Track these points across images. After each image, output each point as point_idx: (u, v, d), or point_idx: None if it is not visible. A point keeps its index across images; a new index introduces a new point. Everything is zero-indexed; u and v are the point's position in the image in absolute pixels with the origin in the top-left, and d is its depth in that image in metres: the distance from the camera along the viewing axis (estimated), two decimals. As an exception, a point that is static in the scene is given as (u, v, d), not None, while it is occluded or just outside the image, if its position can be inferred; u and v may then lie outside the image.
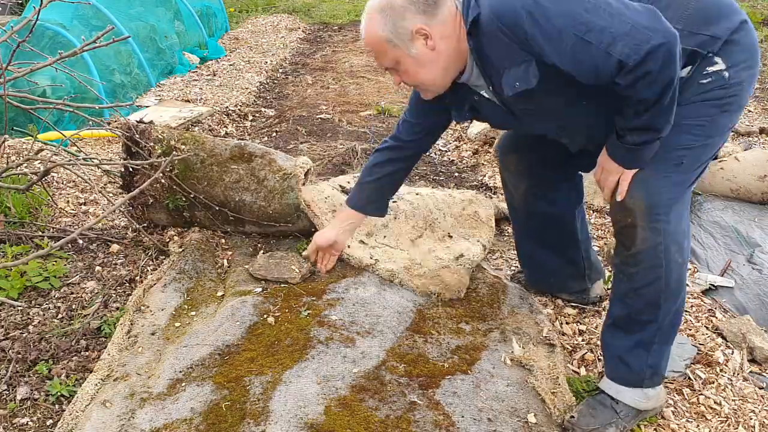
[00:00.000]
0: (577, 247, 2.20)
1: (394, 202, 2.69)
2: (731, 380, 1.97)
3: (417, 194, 2.77)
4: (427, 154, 3.83)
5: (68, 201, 3.14)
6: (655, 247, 1.59)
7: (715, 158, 3.21)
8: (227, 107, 4.81)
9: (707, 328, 2.23)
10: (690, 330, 2.21)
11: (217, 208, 2.57)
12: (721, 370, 2.01)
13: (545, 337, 2.08)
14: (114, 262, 2.55)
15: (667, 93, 1.42)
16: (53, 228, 2.80)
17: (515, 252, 2.42)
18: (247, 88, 5.55)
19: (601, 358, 1.85)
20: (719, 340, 2.16)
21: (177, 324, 2.13)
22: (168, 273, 2.37)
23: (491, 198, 3.15)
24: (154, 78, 5.60)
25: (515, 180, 2.11)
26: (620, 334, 1.73)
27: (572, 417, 1.71)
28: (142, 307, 2.20)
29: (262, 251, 2.54)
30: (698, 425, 1.79)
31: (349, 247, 2.40)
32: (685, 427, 1.78)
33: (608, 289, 2.29)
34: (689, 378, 1.97)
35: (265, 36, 8.06)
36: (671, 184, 1.59)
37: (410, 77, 1.65)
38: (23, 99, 2.50)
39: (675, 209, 1.60)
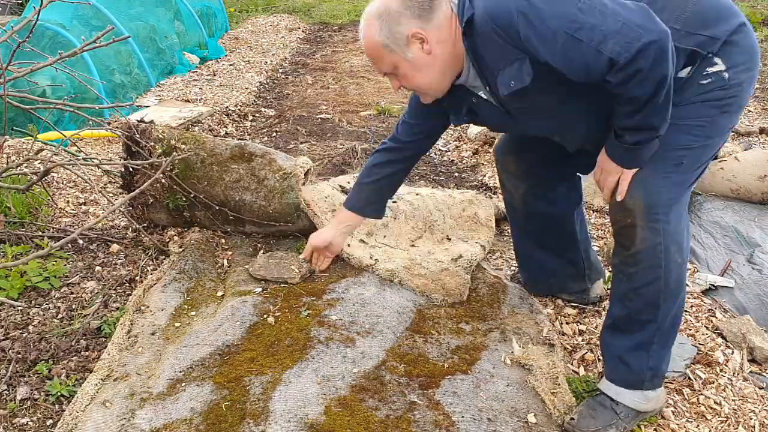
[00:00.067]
0: (576, 248, 2.20)
1: (394, 202, 2.69)
2: (731, 380, 1.97)
3: (417, 194, 2.77)
4: (427, 154, 3.83)
5: (68, 201, 3.14)
6: (654, 247, 1.59)
7: (715, 158, 3.21)
8: (227, 107, 4.81)
9: (707, 328, 2.23)
10: (690, 330, 2.21)
11: (217, 208, 2.57)
12: (721, 370, 2.01)
13: (545, 337, 2.08)
14: (114, 262, 2.55)
15: (661, 91, 1.42)
16: (53, 228, 2.80)
17: (513, 252, 2.42)
18: (247, 88, 5.55)
19: (601, 358, 1.85)
20: (719, 340, 2.16)
21: (177, 324, 2.13)
22: (168, 273, 2.37)
23: (491, 198, 3.15)
24: (154, 78, 5.60)
25: (515, 181, 2.11)
26: (620, 334, 1.73)
27: (572, 419, 1.71)
28: (142, 307, 2.20)
29: (261, 251, 2.55)
30: (698, 425, 1.79)
31: (349, 246, 2.40)
32: (685, 427, 1.78)
33: (608, 289, 2.29)
34: (689, 378, 1.97)
35: (265, 36, 8.06)
36: (671, 184, 1.59)
37: (408, 81, 1.66)
38: (23, 99, 2.50)
39: (675, 209, 1.60)
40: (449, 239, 2.58)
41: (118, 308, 2.24)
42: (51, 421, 1.77)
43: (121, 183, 2.69)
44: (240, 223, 2.64)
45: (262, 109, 4.95)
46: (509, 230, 2.88)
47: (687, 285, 2.47)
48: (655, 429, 1.78)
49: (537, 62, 1.47)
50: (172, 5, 6.56)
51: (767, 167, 2.99)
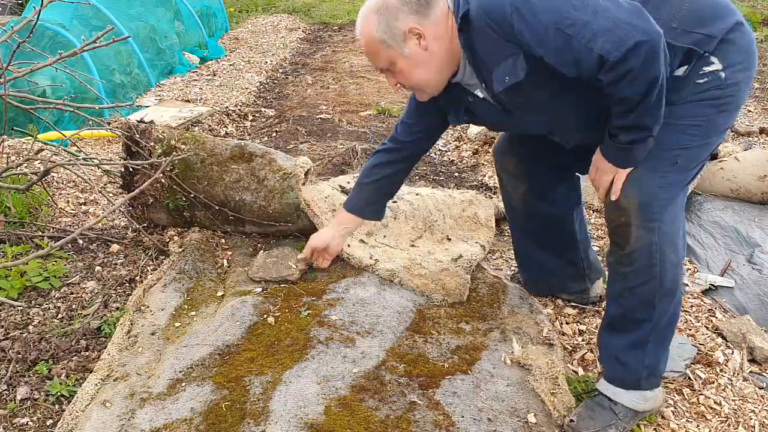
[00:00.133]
0: (576, 248, 2.20)
1: (394, 202, 2.69)
2: (731, 380, 1.97)
3: (417, 194, 2.77)
4: (427, 154, 3.83)
5: (68, 201, 3.14)
6: (649, 246, 1.59)
7: (715, 158, 3.21)
8: (227, 107, 4.81)
9: (707, 328, 2.23)
10: (690, 330, 2.22)
11: (217, 208, 2.57)
12: (721, 370, 2.01)
13: (545, 337, 2.08)
14: (114, 262, 2.55)
15: (652, 91, 1.42)
16: (53, 228, 2.80)
17: (513, 252, 2.42)
18: (247, 88, 5.55)
19: (599, 358, 1.85)
20: (719, 340, 2.16)
21: (177, 324, 2.13)
22: (168, 273, 2.37)
23: (491, 198, 3.15)
24: (154, 78, 5.60)
25: (514, 181, 2.11)
26: (616, 333, 1.73)
27: (571, 421, 1.70)
28: (142, 307, 2.20)
29: (261, 251, 2.54)
30: (698, 425, 1.79)
31: (349, 246, 2.40)
32: (685, 427, 1.78)
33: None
34: (689, 378, 1.97)
35: (265, 36, 8.06)
36: (666, 184, 1.59)
37: (405, 78, 1.66)
38: (23, 99, 2.50)
39: (670, 209, 1.60)
40: (449, 239, 2.58)
41: (118, 308, 2.24)
42: (51, 421, 1.77)
43: (121, 183, 2.69)
44: (240, 223, 2.64)
45: (262, 109, 4.95)
46: (509, 230, 2.89)
47: (687, 285, 2.48)
48: (654, 429, 1.78)
49: (531, 57, 1.48)
50: (172, 5, 6.56)
51: (767, 167, 2.99)
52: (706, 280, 2.50)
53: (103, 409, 1.71)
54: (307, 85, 5.79)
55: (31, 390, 1.86)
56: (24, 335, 2.08)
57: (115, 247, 2.64)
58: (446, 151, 4.10)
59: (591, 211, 3.14)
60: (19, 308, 2.21)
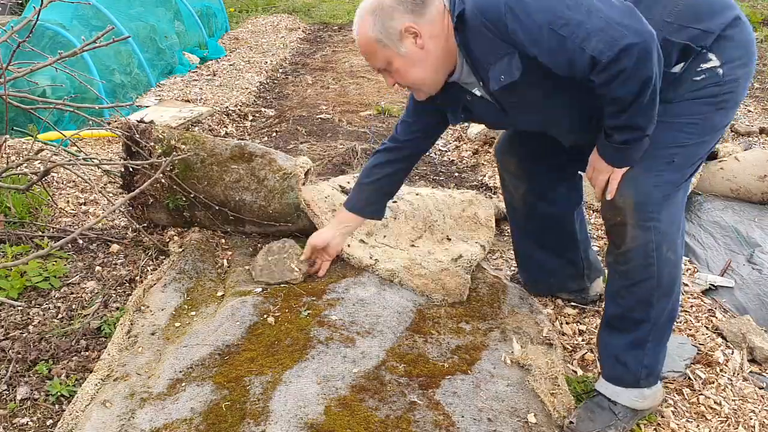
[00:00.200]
0: (576, 248, 2.20)
1: (394, 202, 2.69)
2: (731, 380, 1.97)
3: (417, 194, 2.77)
4: (427, 154, 3.83)
5: (68, 201, 3.14)
6: (645, 245, 1.59)
7: (715, 158, 3.21)
8: (227, 107, 4.81)
9: (707, 328, 2.23)
10: (690, 330, 2.22)
11: (217, 208, 2.57)
12: (721, 370, 2.01)
13: (545, 337, 2.08)
14: (114, 262, 2.55)
15: (645, 91, 1.42)
16: (53, 228, 2.80)
17: (513, 252, 2.42)
18: (247, 88, 5.55)
19: (599, 358, 1.85)
20: (719, 340, 2.16)
21: (177, 324, 2.13)
22: (168, 273, 2.37)
23: (491, 198, 3.15)
24: (154, 78, 5.60)
25: (515, 181, 2.11)
26: (615, 333, 1.73)
27: (571, 422, 1.70)
28: (142, 307, 2.20)
29: (261, 251, 2.53)
30: (698, 425, 1.79)
31: (349, 246, 2.40)
32: (685, 427, 1.78)
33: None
34: (689, 378, 1.97)
35: (265, 36, 8.06)
36: (662, 183, 1.58)
37: (402, 77, 1.66)
38: (23, 99, 2.50)
39: (667, 207, 1.59)
40: (449, 239, 2.58)
41: (118, 308, 2.24)
42: (51, 421, 1.77)
43: (121, 183, 2.69)
44: (240, 223, 2.64)
45: (262, 109, 4.95)
46: (509, 230, 2.89)
47: (687, 285, 2.48)
48: (654, 429, 1.78)
49: (526, 56, 1.48)
50: (172, 5, 6.56)
51: (767, 167, 2.99)
52: (706, 280, 2.50)
53: (103, 409, 1.71)
54: (307, 85, 5.79)
55: (31, 390, 1.86)
56: (24, 335, 2.08)
57: (115, 247, 2.64)
58: (446, 151, 4.10)
59: (591, 211, 3.14)
60: (19, 308, 2.21)
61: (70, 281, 2.40)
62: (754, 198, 3.01)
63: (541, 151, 1.98)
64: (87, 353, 2.02)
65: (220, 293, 2.32)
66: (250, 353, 1.91)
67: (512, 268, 2.57)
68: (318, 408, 1.68)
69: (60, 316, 2.20)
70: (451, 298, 2.22)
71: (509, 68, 1.52)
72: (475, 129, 4.06)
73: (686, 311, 2.32)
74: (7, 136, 3.29)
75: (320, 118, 4.70)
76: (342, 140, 4.13)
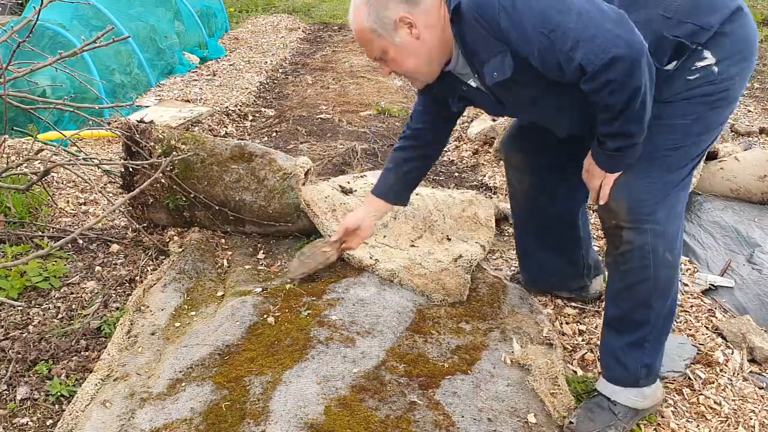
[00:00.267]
0: (578, 247, 2.20)
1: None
2: (731, 380, 1.97)
3: (417, 194, 2.77)
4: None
5: (68, 201, 3.14)
6: (641, 247, 1.59)
7: (715, 158, 3.21)
8: (227, 107, 4.81)
9: (707, 328, 2.23)
10: (690, 330, 2.21)
11: (217, 208, 2.57)
12: (721, 370, 2.01)
13: (545, 337, 2.08)
14: (114, 262, 2.55)
15: (634, 101, 1.41)
16: (53, 228, 2.80)
17: (515, 252, 2.42)
18: (247, 88, 5.55)
19: (599, 357, 1.85)
20: (719, 340, 2.16)
21: (177, 324, 2.13)
22: (168, 273, 2.37)
23: (491, 198, 3.15)
24: (154, 78, 5.60)
25: (519, 175, 2.12)
26: (615, 333, 1.73)
27: (571, 422, 1.70)
28: (142, 307, 2.20)
29: (296, 256, 2.41)
30: (698, 425, 1.79)
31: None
32: (685, 427, 1.78)
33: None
34: (689, 378, 1.97)
35: (265, 36, 8.06)
36: (656, 185, 1.58)
37: (398, 66, 1.67)
38: (23, 99, 2.50)
39: (663, 209, 1.59)
40: (449, 239, 2.58)
41: (118, 308, 2.24)
42: (51, 421, 1.77)
43: (121, 183, 2.70)
44: (240, 223, 2.64)
45: (262, 109, 4.95)
46: (509, 230, 2.89)
47: (687, 285, 2.48)
48: (654, 429, 1.78)
49: (518, 56, 1.48)
50: (172, 5, 6.56)
51: (767, 167, 2.99)
52: (706, 280, 2.50)
53: (103, 409, 1.71)
54: (307, 85, 5.79)
55: (31, 390, 1.86)
56: (24, 335, 2.08)
57: (115, 247, 2.64)
58: (446, 151, 4.09)
59: (591, 211, 3.14)
60: (19, 308, 2.21)
61: (70, 281, 2.40)
62: (754, 198, 3.01)
63: (547, 148, 1.98)
64: (87, 353, 2.02)
65: (220, 293, 2.32)
66: (250, 353, 1.91)
67: (512, 268, 2.57)
68: (318, 408, 1.68)
69: (60, 316, 2.20)
70: (451, 298, 2.22)
71: (502, 66, 1.53)
72: (475, 129, 4.06)
73: (686, 311, 2.32)
74: (7, 136, 3.29)
75: (320, 118, 4.70)
76: (342, 140, 4.13)
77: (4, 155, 3.27)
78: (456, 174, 3.70)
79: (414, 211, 2.64)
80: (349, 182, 2.86)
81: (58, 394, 1.84)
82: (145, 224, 2.69)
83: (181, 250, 2.53)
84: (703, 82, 1.52)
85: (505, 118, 3.89)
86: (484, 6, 1.46)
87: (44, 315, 2.19)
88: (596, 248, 2.69)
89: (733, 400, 1.89)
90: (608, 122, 1.49)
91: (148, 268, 2.51)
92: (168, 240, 2.67)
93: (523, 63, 1.49)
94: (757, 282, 2.44)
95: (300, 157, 2.67)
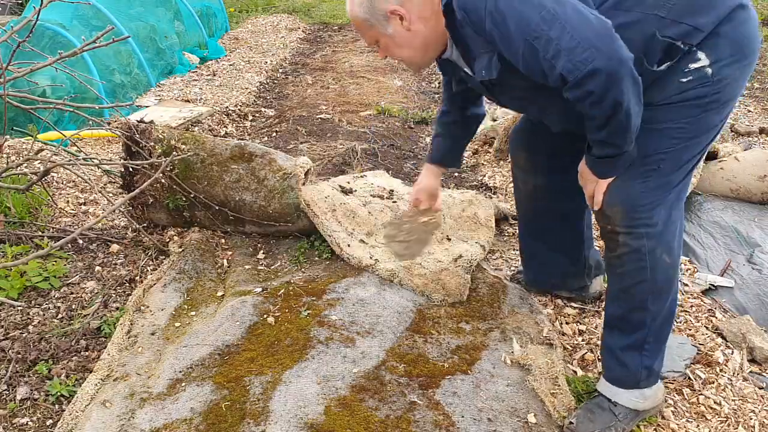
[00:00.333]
0: (581, 247, 2.20)
1: (394, 202, 2.69)
2: (731, 380, 1.97)
3: (417, 194, 2.76)
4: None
5: (68, 201, 3.14)
6: (638, 250, 1.59)
7: (715, 158, 3.21)
8: (227, 107, 4.81)
9: (707, 328, 2.23)
10: (690, 330, 2.21)
11: (217, 208, 2.57)
12: (721, 370, 2.01)
13: (545, 337, 2.08)
14: (114, 262, 2.55)
15: (618, 112, 1.40)
16: (53, 228, 2.80)
17: (515, 252, 2.42)
18: (247, 88, 5.55)
19: (600, 358, 1.85)
20: (719, 340, 2.16)
21: (177, 324, 2.13)
22: (168, 273, 2.37)
23: (491, 198, 3.15)
24: (154, 78, 5.60)
25: (524, 175, 2.12)
26: (615, 334, 1.73)
27: (571, 423, 1.70)
28: (142, 307, 2.20)
29: (384, 241, 2.38)
30: (698, 425, 1.79)
31: (349, 246, 2.40)
32: (685, 427, 1.78)
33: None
34: (689, 378, 1.97)
35: (265, 36, 8.06)
36: (650, 189, 1.57)
37: (391, 53, 1.70)
38: (23, 99, 2.50)
39: (659, 211, 1.58)
40: (449, 239, 2.58)
41: (118, 308, 2.24)
42: (51, 421, 1.77)
43: (121, 183, 2.70)
44: (240, 223, 2.64)
45: (262, 109, 4.95)
46: (509, 230, 2.89)
47: (687, 285, 2.48)
48: (655, 429, 1.78)
49: (504, 58, 1.49)
50: (172, 5, 6.56)
51: (767, 167, 2.99)
52: (706, 280, 2.50)
53: (103, 409, 1.71)
54: (307, 85, 5.79)
55: (31, 390, 1.86)
56: (24, 335, 2.08)
57: (115, 247, 2.64)
58: (446, 151, 4.09)
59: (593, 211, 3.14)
60: (19, 308, 2.21)
61: (70, 281, 2.40)
62: (754, 198, 3.01)
63: (553, 149, 1.97)
64: (87, 353, 2.02)
65: (220, 293, 2.32)
66: (250, 353, 1.91)
67: (512, 268, 2.57)
68: (318, 408, 1.68)
69: (60, 316, 2.20)
70: (451, 298, 2.22)
71: (489, 67, 1.55)
72: (475, 129, 4.05)
73: (686, 311, 2.32)
74: (7, 136, 3.29)
75: (320, 118, 4.70)
76: (342, 140, 4.13)
77: (4, 155, 3.27)
78: (456, 174, 3.70)
79: (414, 211, 2.63)
80: (349, 182, 2.86)
81: (58, 394, 1.84)
82: (145, 224, 2.69)
83: (181, 250, 2.53)
84: (697, 84, 1.49)
85: (505, 118, 3.89)
86: (472, 11, 1.47)
87: (44, 315, 2.19)
88: (596, 248, 2.69)
89: (733, 400, 1.89)
90: (595, 130, 1.49)
91: (148, 268, 2.51)
92: (168, 240, 2.67)
93: (509, 65, 1.49)
94: (757, 282, 2.44)
95: (300, 157, 2.67)
